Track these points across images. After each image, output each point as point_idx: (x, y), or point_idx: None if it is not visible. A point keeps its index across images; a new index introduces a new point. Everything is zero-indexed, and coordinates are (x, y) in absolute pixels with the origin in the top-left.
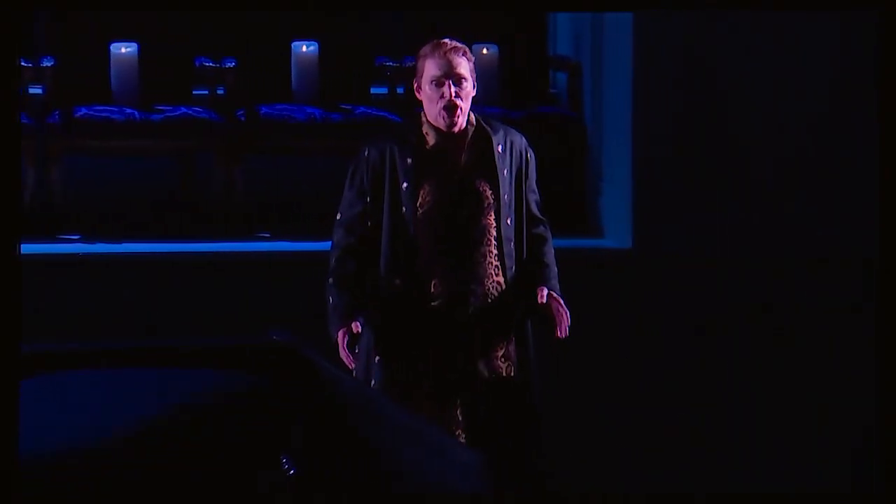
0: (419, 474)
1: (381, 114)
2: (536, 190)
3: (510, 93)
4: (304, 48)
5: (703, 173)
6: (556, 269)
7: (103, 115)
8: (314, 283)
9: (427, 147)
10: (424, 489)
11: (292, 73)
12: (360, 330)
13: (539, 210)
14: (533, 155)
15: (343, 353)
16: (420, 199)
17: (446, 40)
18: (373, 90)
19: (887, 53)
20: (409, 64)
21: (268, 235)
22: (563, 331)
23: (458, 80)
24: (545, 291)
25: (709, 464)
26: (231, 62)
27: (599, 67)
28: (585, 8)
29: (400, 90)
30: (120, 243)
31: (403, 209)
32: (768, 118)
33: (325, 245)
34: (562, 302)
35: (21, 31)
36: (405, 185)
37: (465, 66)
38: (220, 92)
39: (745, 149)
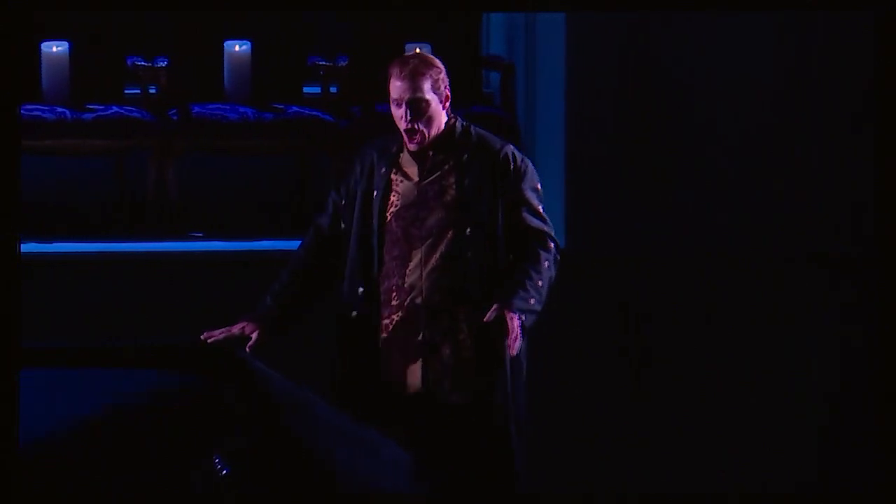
0: (352, 474)
1: (314, 113)
2: (531, 201)
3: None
4: (237, 47)
5: (637, 173)
6: (534, 284)
7: (34, 114)
8: (247, 283)
9: (402, 158)
10: (357, 489)
11: (225, 73)
12: (252, 346)
13: (540, 222)
14: (523, 165)
15: (215, 332)
16: (387, 210)
17: (409, 57)
18: (305, 89)
19: (886, 53)
20: (341, 63)
21: (201, 235)
22: (510, 348)
23: (413, 104)
24: (494, 307)
25: (644, 462)
26: (163, 61)
27: (533, 67)
28: (552, 8)
29: (333, 89)
30: (51, 243)
31: (372, 219)
32: (705, 117)
33: (258, 244)
34: (513, 318)
35: (22, 33)
36: (376, 192)
37: (423, 87)
38: (152, 91)
39: (680, 147)
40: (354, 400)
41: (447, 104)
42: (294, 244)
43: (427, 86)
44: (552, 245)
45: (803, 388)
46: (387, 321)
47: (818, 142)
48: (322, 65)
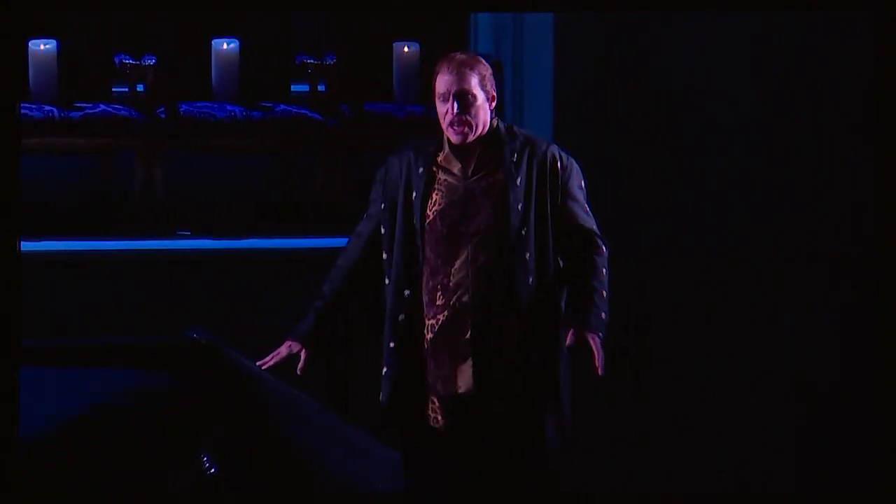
0: (340, 473)
1: (302, 111)
2: (579, 198)
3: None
4: (225, 45)
5: (623, 172)
6: (600, 296)
7: (22, 112)
8: (234, 281)
9: (441, 156)
10: (345, 488)
11: (213, 71)
12: (303, 364)
13: (589, 219)
14: (569, 163)
15: (266, 359)
16: (429, 209)
17: (456, 54)
18: (293, 88)
19: (886, 53)
20: (329, 61)
21: (188, 233)
22: (598, 368)
23: (461, 97)
24: (571, 331)
25: (644, 462)
26: (151, 59)
27: (520, 65)
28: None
29: (321, 87)
30: (39, 241)
31: (414, 218)
32: (691, 116)
33: (246, 243)
34: (594, 338)
35: (22, 32)
36: (415, 194)
37: (471, 82)
38: (139, 89)
39: (667, 147)
40: (404, 405)
41: (493, 104)
42: (281, 242)
43: (474, 81)
44: (603, 247)
45: (803, 388)
46: (432, 321)
47: (818, 142)
48: (310, 63)
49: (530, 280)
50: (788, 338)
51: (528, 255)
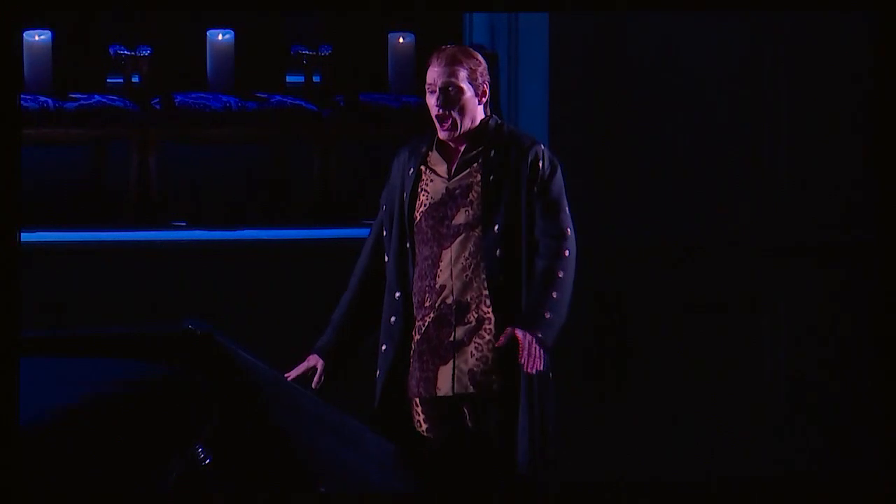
0: (334, 464)
1: (297, 102)
2: (558, 201)
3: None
4: (220, 36)
5: (617, 163)
6: (547, 296)
7: None
8: (229, 272)
9: (430, 156)
10: (341, 479)
11: (208, 62)
12: (318, 378)
13: (561, 224)
14: (549, 165)
15: (290, 372)
16: (416, 210)
17: (448, 47)
18: (288, 78)
19: (886, 53)
20: (324, 52)
21: (183, 224)
22: (525, 366)
23: (447, 90)
24: (507, 331)
25: (637, 453)
26: (146, 50)
27: (516, 57)
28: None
29: (316, 78)
30: (34, 232)
31: (404, 220)
32: (685, 108)
33: (241, 234)
34: (525, 335)
35: (20, 30)
36: (405, 193)
37: (458, 75)
38: (135, 80)
39: (660, 139)
40: (393, 406)
41: (484, 99)
42: (276, 233)
43: (463, 74)
44: (567, 251)
45: (796, 378)
46: (420, 323)
47: (818, 141)
48: (305, 54)
49: (501, 280)
50: (777, 329)
51: (498, 253)
